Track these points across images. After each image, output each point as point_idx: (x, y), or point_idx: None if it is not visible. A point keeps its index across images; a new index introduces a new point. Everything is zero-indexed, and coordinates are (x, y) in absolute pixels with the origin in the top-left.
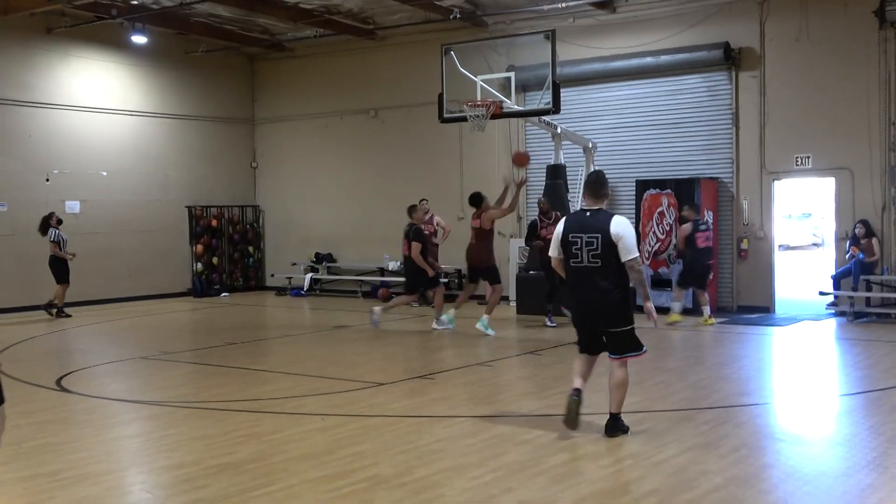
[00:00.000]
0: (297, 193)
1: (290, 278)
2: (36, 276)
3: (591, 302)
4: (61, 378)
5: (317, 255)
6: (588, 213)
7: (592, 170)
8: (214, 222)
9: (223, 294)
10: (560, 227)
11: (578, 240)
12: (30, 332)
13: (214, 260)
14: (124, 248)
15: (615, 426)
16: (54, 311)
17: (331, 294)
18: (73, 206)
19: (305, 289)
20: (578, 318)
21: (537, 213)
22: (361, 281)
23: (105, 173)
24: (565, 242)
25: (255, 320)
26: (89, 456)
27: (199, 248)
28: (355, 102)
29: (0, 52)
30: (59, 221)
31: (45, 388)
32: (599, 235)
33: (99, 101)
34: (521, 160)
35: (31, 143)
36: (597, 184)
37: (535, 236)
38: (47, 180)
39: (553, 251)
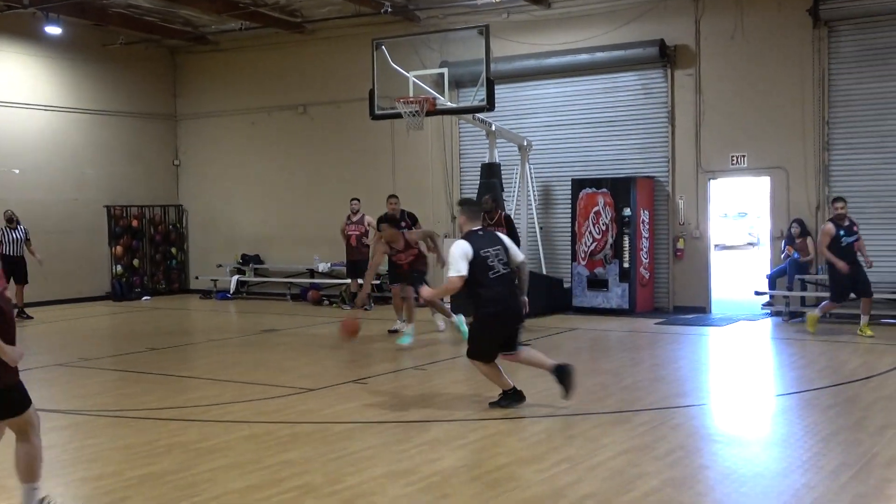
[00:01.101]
0: (222, 192)
1: (215, 281)
2: None
3: (515, 303)
4: None
5: (243, 256)
6: (481, 232)
7: (463, 197)
8: (135, 222)
9: (145, 298)
10: (466, 247)
11: (489, 254)
12: None
13: (135, 262)
14: (40, 250)
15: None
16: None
17: (259, 297)
18: None
19: (232, 292)
20: (505, 322)
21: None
22: (291, 283)
23: (17, 171)
24: (479, 259)
25: (179, 325)
26: (2, 469)
27: (119, 249)
28: (283, 98)
29: None
30: (9, 220)
31: None
32: (500, 247)
33: (10, 94)
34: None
35: None
36: (476, 205)
37: None
38: None
39: (459, 270)
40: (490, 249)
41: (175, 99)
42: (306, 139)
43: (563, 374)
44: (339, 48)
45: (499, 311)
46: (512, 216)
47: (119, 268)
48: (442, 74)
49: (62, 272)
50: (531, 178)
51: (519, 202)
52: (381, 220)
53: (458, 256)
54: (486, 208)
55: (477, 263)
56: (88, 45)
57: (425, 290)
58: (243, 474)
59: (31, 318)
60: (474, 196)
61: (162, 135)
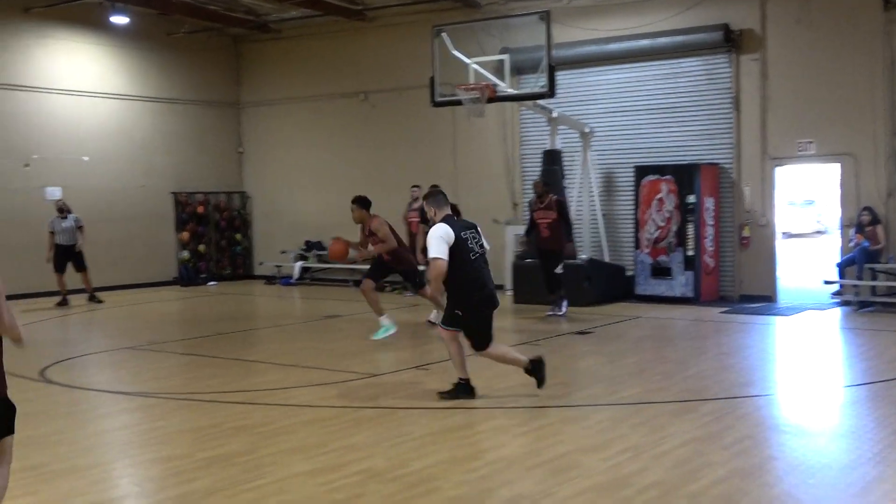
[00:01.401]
0: (285, 179)
1: (279, 266)
2: (17, 263)
3: (493, 287)
4: (45, 369)
5: (307, 242)
6: (455, 218)
7: (432, 188)
8: (201, 209)
9: (210, 283)
10: (446, 229)
11: (467, 236)
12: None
13: (201, 248)
14: (108, 236)
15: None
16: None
17: (322, 283)
18: (53, 192)
19: (295, 278)
20: (489, 304)
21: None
22: (353, 269)
23: (86, 158)
24: (460, 241)
25: (244, 310)
26: (74, 449)
27: (185, 235)
28: (344, 86)
29: None
30: (59, 210)
31: (27, 379)
32: (474, 230)
33: (79, 83)
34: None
35: (9, 127)
36: (441, 194)
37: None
38: (26, 166)
39: (441, 252)
40: (467, 232)
41: (238, 87)
42: (367, 126)
43: (537, 368)
44: (400, 35)
45: (484, 297)
46: (574, 204)
47: (185, 253)
48: (503, 61)
49: (130, 258)
50: (593, 165)
51: (581, 189)
52: (353, 200)
53: (438, 238)
54: (536, 192)
55: (458, 245)
56: (153, 34)
57: (427, 291)
58: (307, 458)
59: (102, 301)
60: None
61: (226, 122)
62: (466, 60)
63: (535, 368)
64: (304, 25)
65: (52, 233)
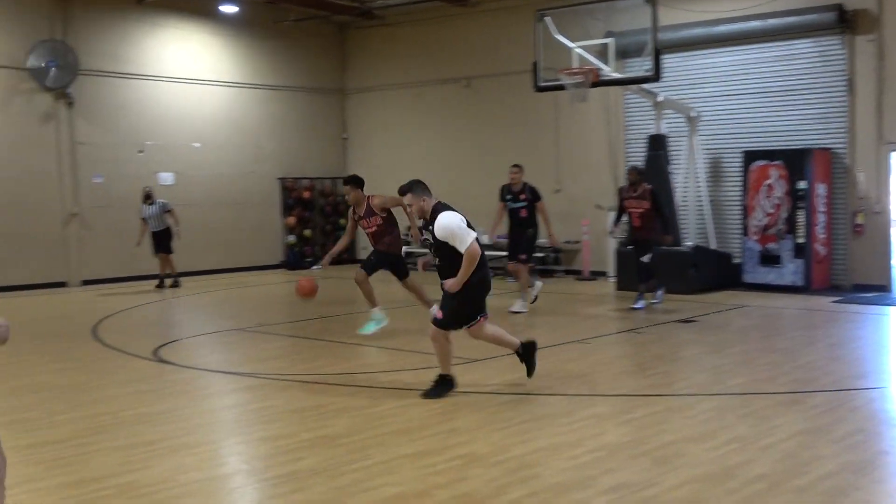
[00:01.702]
0: (388, 164)
1: None
2: (131, 246)
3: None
4: (158, 348)
5: (409, 228)
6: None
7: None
8: (306, 194)
9: (315, 267)
10: (456, 215)
11: (466, 218)
12: (127, 303)
13: (307, 232)
14: (218, 221)
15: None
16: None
17: (434, 268)
18: (166, 177)
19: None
20: (488, 286)
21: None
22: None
23: (198, 145)
24: (470, 225)
25: (347, 293)
26: (185, 426)
27: (292, 220)
28: (447, 71)
29: (92, 24)
30: (146, 196)
31: (141, 359)
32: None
33: (190, 72)
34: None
35: (123, 114)
36: (423, 183)
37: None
38: (140, 152)
39: (473, 234)
40: (462, 214)
41: (343, 74)
42: (470, 112)
43: (528, 353)
44: (503, 20)
45: (485, 275)
46: (679, 189)
47: (292, 238)
48: (607, 45)
49: (239, 242)
50: (699, 150)
51: (686, 175)
52: (346, 180)
53: (460, 224)
54: (630, 180)
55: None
56: (261, 22)
57: (449, 284)
58: (411, 440)
59: (178, 286)
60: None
61: (331, 109)
62: (570, 44)
63: (525, 354)
64: (408, 12)
65: (144, 219)
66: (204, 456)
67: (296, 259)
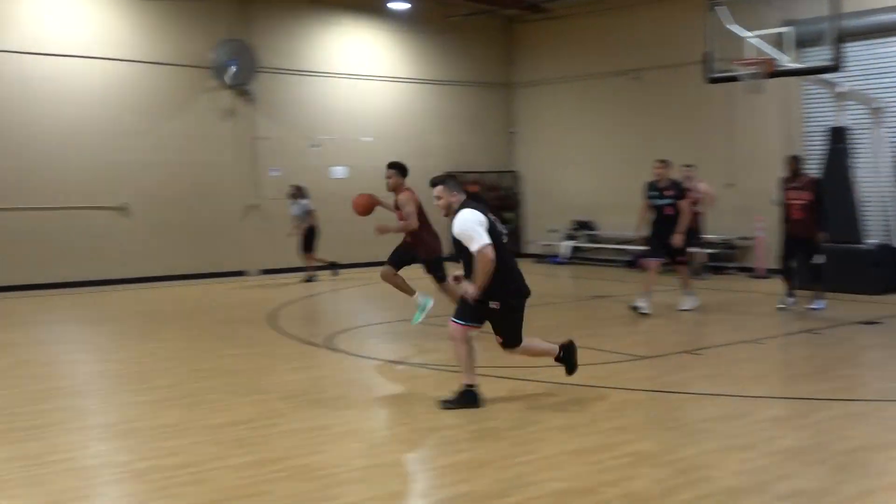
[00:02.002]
0: (555, 159)
1: (548, 245)
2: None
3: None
4: (330, 337)
5: (577, 222)
6: (479, 203)
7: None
8: (474, 188)
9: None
10: (481, 216)
11: (494, 219)
12: (301, 292)
13: None
14: (388, 214)
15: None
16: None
17: (591, 263)
18: (339, 171)
19: (566, 256)
20: (523, 294)
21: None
22: (623, 250)
23: (370, 139)
24: (491, 224)
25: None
26: (356, 413)
27: None
28: (615, 64)
29: (271, 23)
30: (291, 195)
31: (315, 346)
32: (493, 213)
33: (361, 67)
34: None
35: (299, 110)
36: (454, 178)
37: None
38: (315, 146)
39: (486, 238)
40: (491, 215)
41: (510, 67)
42: (638, 105)
43: (568, 353)
44: (673, 10)
45: (519, 286)
46: (864, 184)
47: None
48: (784, 34)
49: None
50: (885, 142)
51: (870, 169)
52: (389, 165)
53: (475, 224)
54: (791, 170)
55: (490, 230)
56: (430, 18)
57: (468, 288)
58: (576, 436)
59: (312, 281)
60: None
61: (497, 103)
62: (745, 34)
63: (566, 355)
64: (576, 4)
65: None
66: (373, 442)
67: None
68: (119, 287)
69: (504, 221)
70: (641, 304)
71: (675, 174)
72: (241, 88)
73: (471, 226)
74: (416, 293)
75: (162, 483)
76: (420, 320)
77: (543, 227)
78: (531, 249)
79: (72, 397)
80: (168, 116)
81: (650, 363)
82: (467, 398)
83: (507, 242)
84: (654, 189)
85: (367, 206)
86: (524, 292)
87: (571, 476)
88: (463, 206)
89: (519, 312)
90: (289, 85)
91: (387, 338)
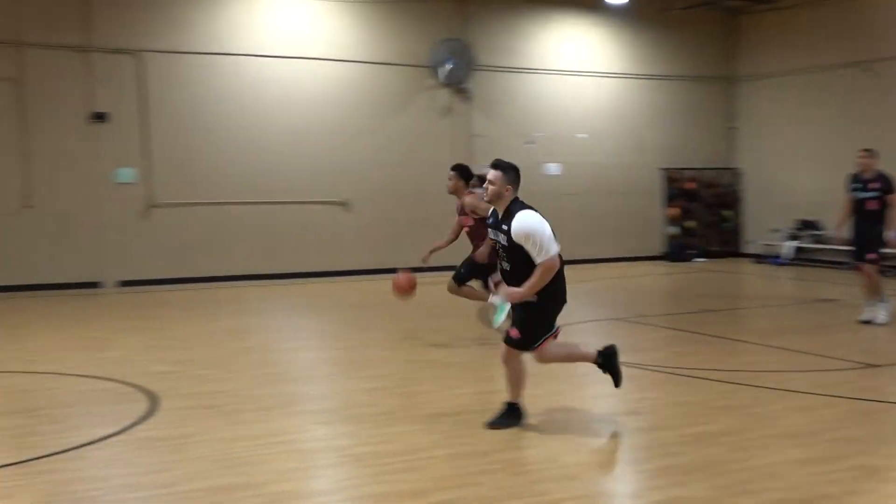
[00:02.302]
0: (779, 155)
1: (769, 245)
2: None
3: None
4: None
5: (801, 221)
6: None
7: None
8: (691, 185)
9: (697, 259)
10: (545, 222)
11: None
12: None
13: (690, 224)
14: (599, 210)
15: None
16: None
17: (816, 265)
18: (552, 168)
19: (787, 257)
20: (563, 299)
21: None
22: (852, 251)
23: (584, 136)
24: (554, 234)
25: (730, 287)
26: (566, 410)
27: (675, 211)
28: (845, 55)
29: (488, 21)
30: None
31: None
32: None
33: (576, 63)
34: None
35: (514, 107)
36: (518, 174)
37: None
38: (530, 143)
39: (556, 247)
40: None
41: (731, 61)
42: (870, 98)
43: (609, 360)
44: None
45: (564, 295)
46: None
47: (674, 229)
48: None
49: (620, 232)
50: None
51: None
52: (452, 167)
53: (547, 231)
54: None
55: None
56: (648, 12)
57: (510, 290)
58: (797, 445)
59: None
60: None
61: (715, 98)
62: None
63: (605, 361)
64: None
65: None
66: (583, 441)
67: (678, 251)
68: (339, 279)
69: (724, 220)
70: (871, 315)
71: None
72: (458, 86)
73: (541, 231)
74: (492, 297)
75: (378, 469)
76: (501, 321)
77: (764, 227)
78: (751, 249)
79: (294, 382)
80: (389, 115)
81: (880, 371)
82: (512, 415)
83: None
84: (857, 181)
85: (410, 285)
86: (564, 298)
87: (791, 486)
88: (519, 206)
89: (551, 319)
90: (504, 82)
91: (596, 336)
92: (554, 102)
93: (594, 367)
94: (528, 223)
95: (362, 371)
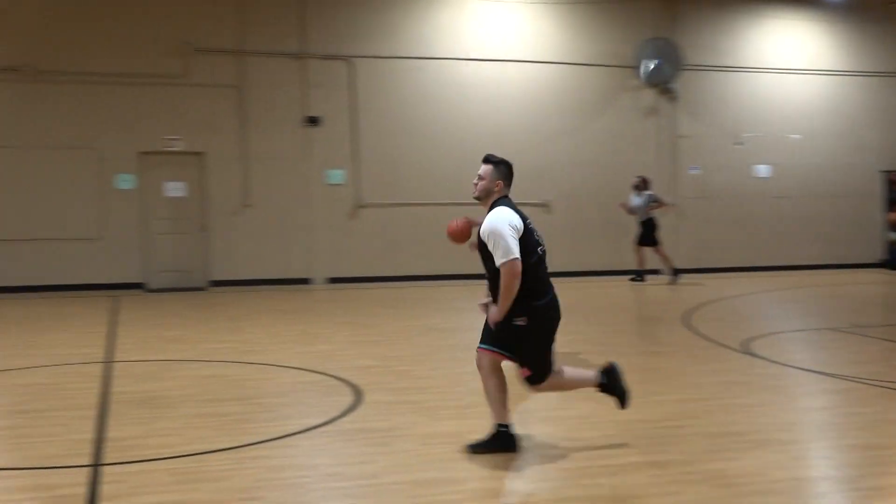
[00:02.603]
0: None
1: None
2: (732, 238)
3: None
4: (747, 341)
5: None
6: (514, 205)
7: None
8: None
9: None
10: (517, 218)
11: (533, 225)
12: (720, 293)
13: None
14: (810, 214)
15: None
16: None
17: None
18: (762, 170)
19: None
20: (556, 314)
21: None
22: None
23: (797, 137)
24: (528, 230)
25: None
26: (775, 422)
27: (895, 216)
28: None
29: (697, 19)
30: (634, 186)
31: (731, 350)
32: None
33: (789, 61)
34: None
35: (723, 107)
36: (511, 171)
37: None
38: (739, 144)
39: (514, 251)
40: (530, 219)
41: None
42: None
43: (612, 380)
44: None
45: (550, 303)
46: None
47: (894, 235)
48: None
49: (830, 237)
50: None
51: None
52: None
53: (507, 227)
54: None
55: (525, 238)
56: (869, 6)
57: (491, 315)
58: None
59: (641, 280)
60: None
61: None
62: None
63: (609, 381)
64: None
65: (630, 209)
66: (792, 455)
67: None
68: None
69: None
70: None
71: None
72: (663, 86)
73: (502, 229)
74: None
75: (576, 472)
76: None
77: None
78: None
79: None
80: (591, 116)
81: None
82: (500, 440)
83: (544, 255)
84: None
85: (464, 232)
86: (555, 312)
87: None
88: (500, 203)
89: (550, 333)
90: (713, 82)
91: (807, 346)
92: (764, 102)
93: (793, 379)
94: (492, 220)
95: None
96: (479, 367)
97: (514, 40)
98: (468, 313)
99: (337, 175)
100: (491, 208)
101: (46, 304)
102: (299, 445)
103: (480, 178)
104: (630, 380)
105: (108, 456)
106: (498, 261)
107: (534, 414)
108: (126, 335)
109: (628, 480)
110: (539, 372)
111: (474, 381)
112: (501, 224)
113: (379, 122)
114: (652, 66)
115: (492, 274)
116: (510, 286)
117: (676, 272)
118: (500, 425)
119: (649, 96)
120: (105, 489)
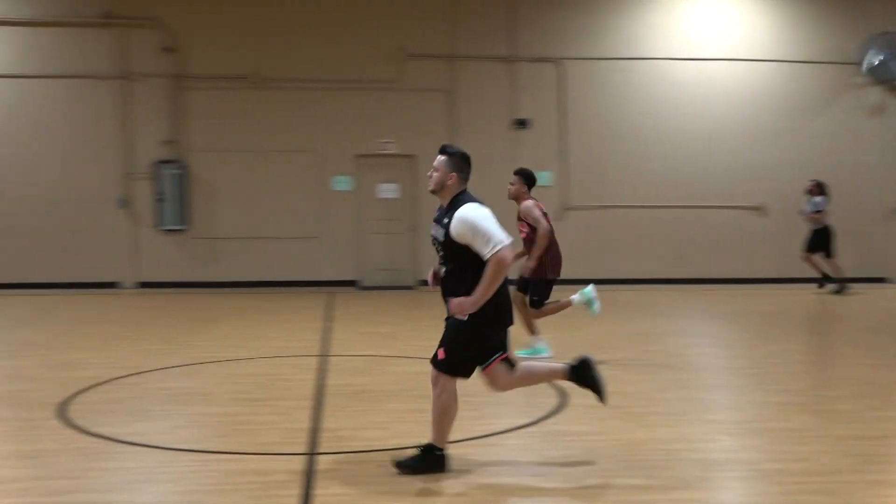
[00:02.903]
0: None
1: None
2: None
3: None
4: None
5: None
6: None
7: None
8: None
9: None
10: (487, 210)
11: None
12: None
13: None
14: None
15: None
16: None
17: None
18: None
19: None
20: (510, 315)
21: None
22: None
23: None
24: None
25: None
26: None
27: None
28: None
29: None
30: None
31: None
32: None
33: None
34: None
35: None
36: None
37: None
38: None
39: (504, 237)
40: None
41: None
42: None
43: (584, 373)
44: None
45: (506, 300)
46: None
47: None
48: None
49: None
50: None
51: None
52: (516, 171)
53: (488, 217)
54: None
55: None
56: None
57: (458, 303)
58: None
59: (840, 293)
60: None
61: None
62: None
63: (580, 375)
64: None
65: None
66: None
67: None
68: (749, 286)
69: None
70: None
71: None
72: (891, 83)
73: (482, 218)
74: (571, 298)
75: (789, 487)
76: (596, 308)
77: None
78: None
79: (700, 389)
80: (807, 115)
81: None
82: (431, 460)
83: None
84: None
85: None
86: (505, 308)
87: None
88: (466, 198)
89: (485, 343)
90: None
91: None
92: None
93: None
94: (469, 216)
95: (773, 384)
96: (436, 381)
97: (728, 38)
98: (674, 319)
99: (545, 177)
100: (452, 204)
101: (268, 298)
102: (504, 444)
103: (435, 169)
104: (845, 394)
105: (323, 445)
106: (486, 252)
107: (744, 425)
108: (340, 330)
109: (848, 499)
110: (451, 365)
111: (680, 388)
112: (479, 215)
113: (587, 123)
114: (877, 62)
115: (458, 271)
116: (498, 276)
117: (843, 282)
118: (435, 445)
119: (875, 94)
120: (320, 477)
